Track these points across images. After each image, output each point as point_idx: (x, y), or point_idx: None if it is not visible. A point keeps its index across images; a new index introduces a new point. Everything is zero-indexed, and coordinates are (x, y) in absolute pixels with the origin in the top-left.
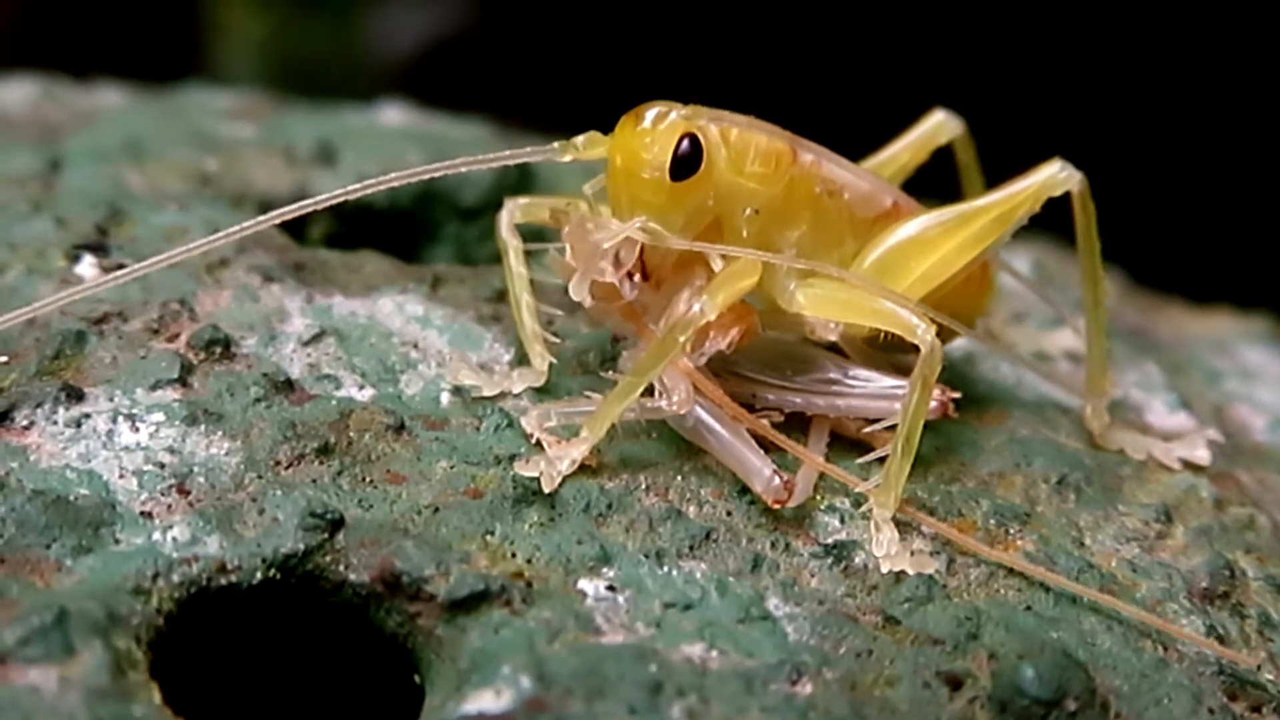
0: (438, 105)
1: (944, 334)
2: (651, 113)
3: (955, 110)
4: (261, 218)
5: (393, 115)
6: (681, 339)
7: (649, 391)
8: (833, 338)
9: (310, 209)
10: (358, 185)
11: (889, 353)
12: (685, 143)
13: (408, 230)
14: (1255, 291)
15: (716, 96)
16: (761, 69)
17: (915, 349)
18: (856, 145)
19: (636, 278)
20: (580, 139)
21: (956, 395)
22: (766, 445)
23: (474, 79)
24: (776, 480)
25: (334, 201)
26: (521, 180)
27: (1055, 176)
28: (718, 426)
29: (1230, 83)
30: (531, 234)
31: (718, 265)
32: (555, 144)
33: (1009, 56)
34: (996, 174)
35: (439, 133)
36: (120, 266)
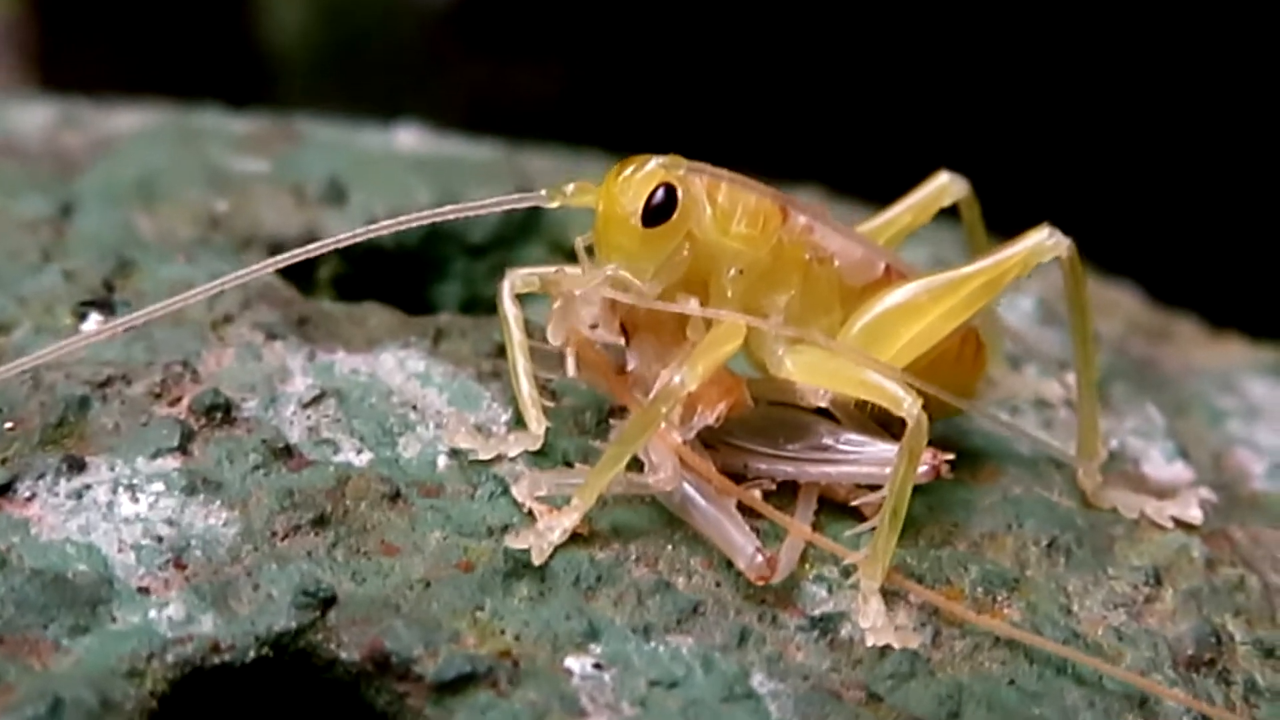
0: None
1: (938, 409)
2: (635, 163)
3: (963, 168)
4: (255, 267)
5: (407, 139)
6: (664, 410)
7: (638, 465)
8: (822, 404)
9: (310, 255)
10: (346, 235)
11: (879, 420)
12: (660, 191)
13: (416, 269)
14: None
15: (727, 151)
16: (774, 125)
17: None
18: (862, 204)
19: (624, 343)
20: (570, 187)
21: (950, 457)
22: (756, 514)
23: (517, 22)
24: (759, 558)
25: (330, 249)
26: (529, 218)
27: (1043, 243)
28: (703, 502)
29: (1252, 104)
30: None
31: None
32: (544, 191)
33: (1015, 109)
34: (1007, 227)
35: (452, 158)
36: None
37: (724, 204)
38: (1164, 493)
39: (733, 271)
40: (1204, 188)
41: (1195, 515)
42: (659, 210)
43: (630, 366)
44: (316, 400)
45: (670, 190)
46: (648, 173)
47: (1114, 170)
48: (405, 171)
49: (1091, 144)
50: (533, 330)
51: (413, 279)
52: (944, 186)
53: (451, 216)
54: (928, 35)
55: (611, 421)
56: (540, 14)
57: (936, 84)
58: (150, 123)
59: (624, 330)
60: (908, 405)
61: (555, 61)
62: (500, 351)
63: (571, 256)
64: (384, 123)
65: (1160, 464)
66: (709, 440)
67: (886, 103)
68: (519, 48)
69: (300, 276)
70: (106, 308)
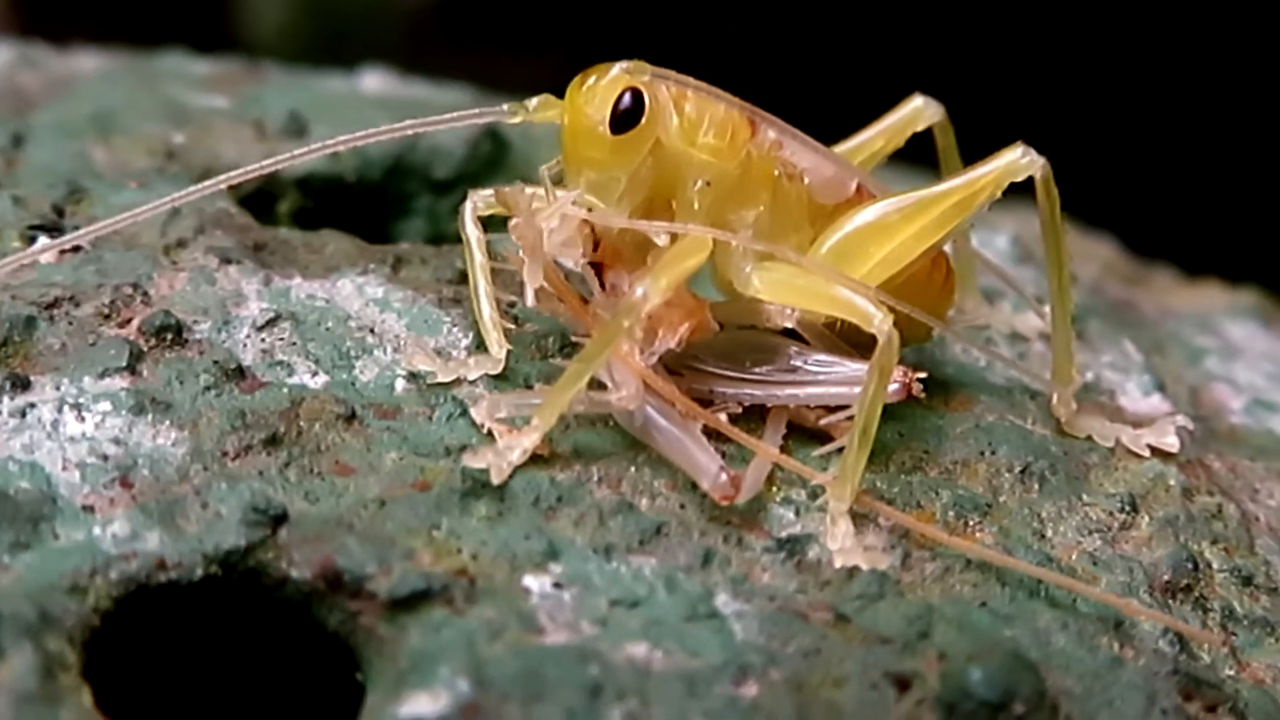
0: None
1: (909, 334)
2: (598, 72)
3: (939, 93)
4: (208, 183)
5: (372, 82)
6: (625, 323)
7: (600, 386)
8: (789, 324)
9: (264, 173)
10: (302, 151)
11: (849, 341)
12: (627, 96)
13: (379, 204)
14: (1248, 265)
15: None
16: (753, 46)
17: (874, 338)
18: (837, 128)
19: (591, 273)
20: (533, 101)
21: (921, 375)
22: (723, 438)
23: (502, 18)
24: (723, 477)
25: (284, 168)
26: (496, 153)
27: (1017, 162)
28: (664, 423)
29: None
30: (500, 223)
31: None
32: (505, 105)
33: (993, 33)
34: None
35: (418, 100)
36: (76, 249)
37: (691, 113)
38: (1140, 422)
39: (699, 184)
40: (1183, 140)
41: (1172, 443)
42: (627, 115)
43: (595, 295)
44: (271, 323)
45: (637, 94)
46: (612, 78)
47: (1095, 118)
48: (369, 109)
49: (1072, 89)
50: (495, 253)
51: (375, 215)
52: (918, 110)
53: (410, 132)
54: None
55: (575, 340)
56: (524, 10)
57: (914, 17)
58: (111, 64)
59: (592, 265)
60: (878, 321)
61: (541, 59)
62: (462, 278)
63: None
64: (350, 70)
65: (1137, 396)
66: (673, 366)
67: (852, 39)
68: (504, 44)
69: (260, 210)
70: (56, 232)
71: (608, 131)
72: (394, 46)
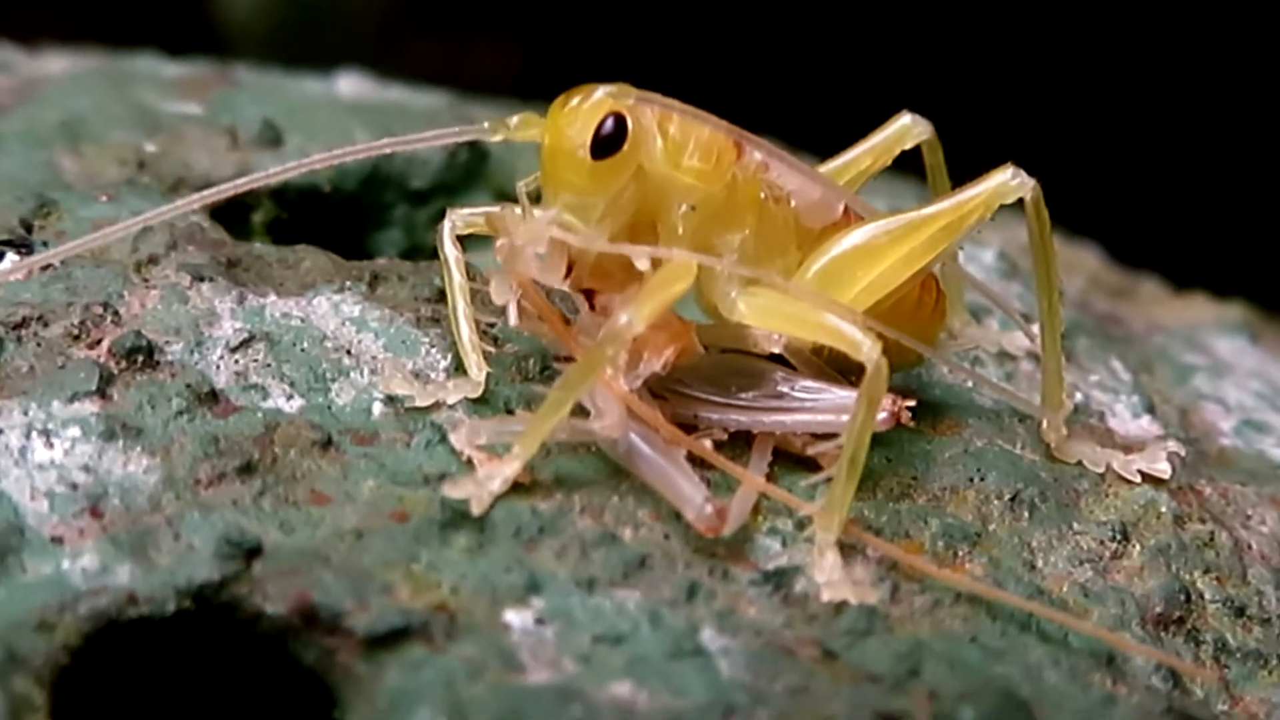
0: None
1: (898, 360)
2: (581, 93)
3: (927, 110)
4: (181, 202)
5: (347, 86)
6: (609, 352)
7: (583, 412)
8: (776, 349)
9: (239, 192)
10: (277, 170)
11: (837, 366)
12: (609, 121)
13: (355, 216)
14: (1234, 274)
15: (689, 90)
16: (740, 65)
17: (861, 366)
18: (824, 145)
19: (572, 290)
20: (514, 119)
21: (910, 403)
22: (708, 465)
23: (473, 2)
24: (709, 508)
25: (261, 187)
26: (473, 162)
27: (1007, 184)
28: (649, 452)
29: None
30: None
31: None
32: (486, 123)
33: (979, 46)
34: (973, 175)
35: (395, 104)
36: (46, 266)
37: (676, 136)
38: (1131, 446)
39: (684, 208)
40: (1167, 147)
41: (1163, 469)
42: (608, 141)
43: (582, 314)
44: (245, 344)
45: (620, 120)
46: (595, 102)
47: (1080, 126)
48: (345, 116)
49: (1059, 98)
50: (474, 273)
51: (351, 226)
52: (906, 128)
53: (388, 150)
54: None
55: (556, 365)
56: None
57: (901, 30)
58: (81, 67)
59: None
60: (867, 349)
61: (513, 42)
62: (440, 296)
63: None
64: (324, 73)
65: (1127, 418)
66: (657, 389)
67: (840, 57)
68: (475, 28)
69: (233, 222)
70: (25, 248)
71: (588, 156)
72: (367, 25)
